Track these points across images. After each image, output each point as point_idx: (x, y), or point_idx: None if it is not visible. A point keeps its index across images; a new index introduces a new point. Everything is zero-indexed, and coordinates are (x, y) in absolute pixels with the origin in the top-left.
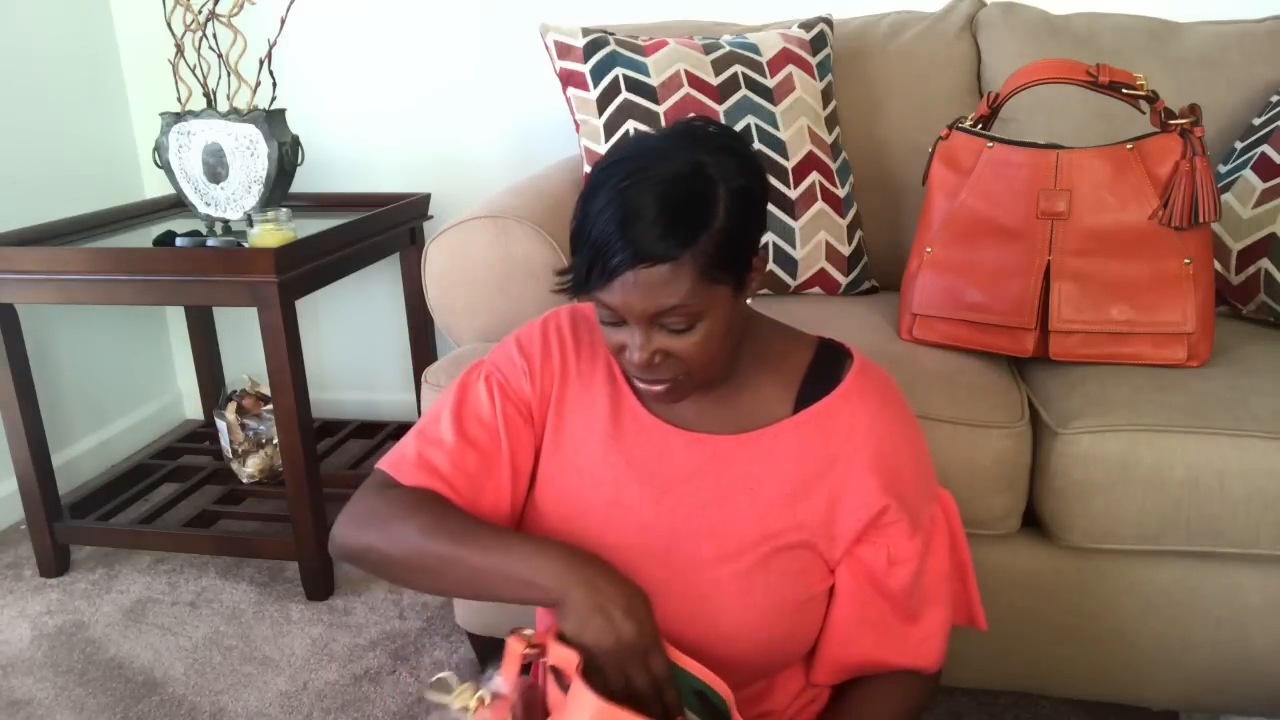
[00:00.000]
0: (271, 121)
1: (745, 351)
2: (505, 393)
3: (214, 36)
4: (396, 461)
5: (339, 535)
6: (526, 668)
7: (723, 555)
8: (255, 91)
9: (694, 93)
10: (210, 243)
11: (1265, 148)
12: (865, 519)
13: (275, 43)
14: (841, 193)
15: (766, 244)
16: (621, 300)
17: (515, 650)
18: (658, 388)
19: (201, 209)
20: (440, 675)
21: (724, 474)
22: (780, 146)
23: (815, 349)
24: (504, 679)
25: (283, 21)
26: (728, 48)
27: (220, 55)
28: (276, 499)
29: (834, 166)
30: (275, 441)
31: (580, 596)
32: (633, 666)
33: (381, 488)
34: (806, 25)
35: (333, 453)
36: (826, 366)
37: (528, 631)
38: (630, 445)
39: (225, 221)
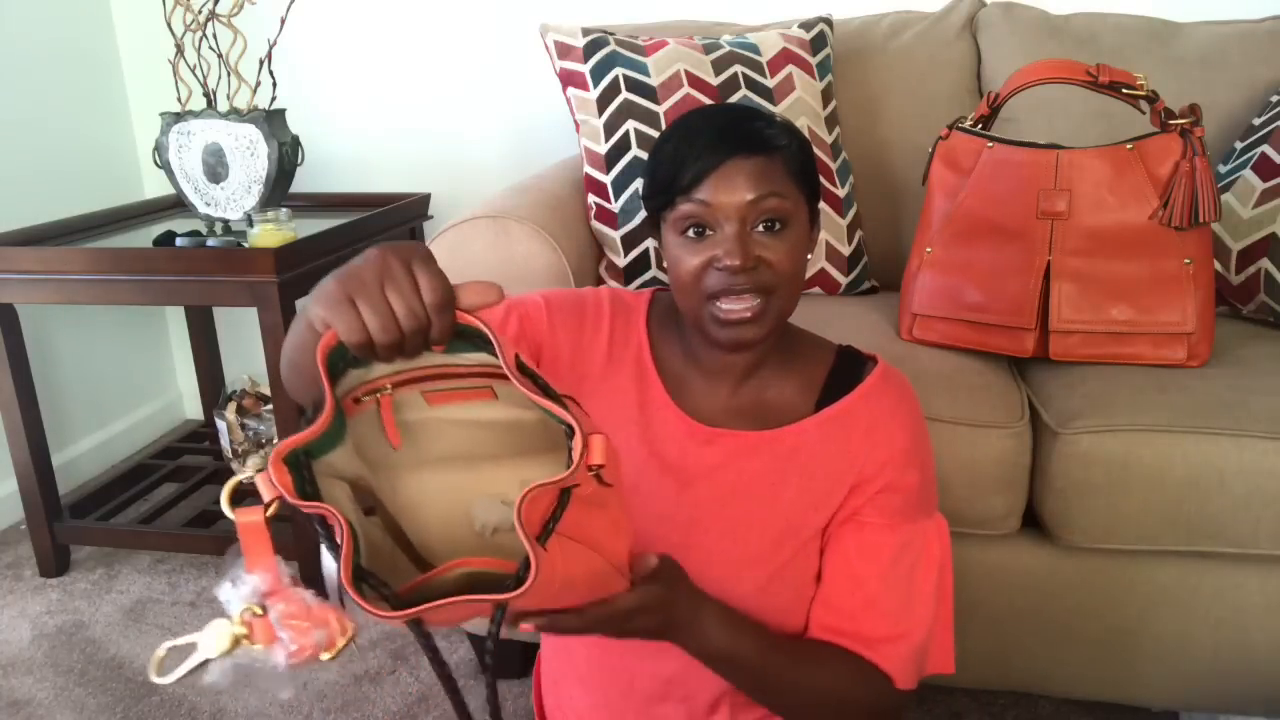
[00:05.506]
0: (271, 121)
1: (770, 350)
2: (523, 322)
3: (214, 36)
4: None
5: None
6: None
7: (742, 558)
8: (255, 91)
9: (694, 93)
10: (210, 243)
11: (1265, 148)
12: (861, 500)
13: (275, 43)
14: (841, 193)
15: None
16: (716, 193)
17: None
18: (743, 306)
19: (201, 209)
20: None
21: (746, 470)
22: None
23: (837, 354)
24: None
25: (283, 21)
26: (728, 48)
27: (220, 55)
28: None
29: (834, 166)
30: (275, 441)
31: (333, 277)
32: (394, 286)
33: None
34: (806, 25)
35: None
36: (848, 369)
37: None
38: (655, 437)
39: (225, 221)
